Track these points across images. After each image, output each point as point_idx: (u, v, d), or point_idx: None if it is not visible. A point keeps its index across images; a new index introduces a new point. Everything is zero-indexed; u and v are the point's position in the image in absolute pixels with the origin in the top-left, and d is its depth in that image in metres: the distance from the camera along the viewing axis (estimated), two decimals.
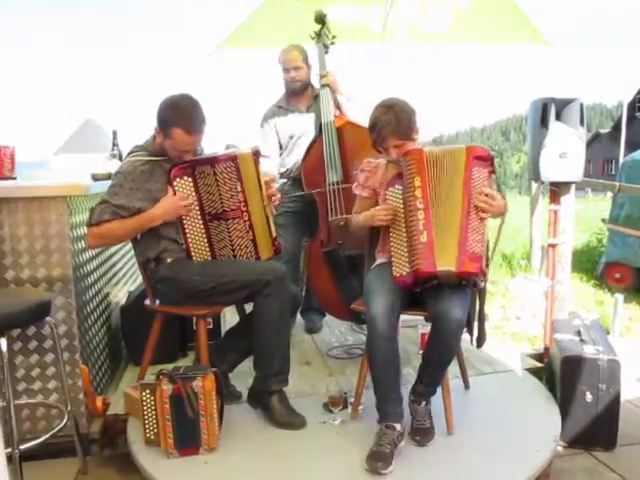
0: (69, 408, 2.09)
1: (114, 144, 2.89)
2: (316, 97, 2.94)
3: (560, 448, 2.22)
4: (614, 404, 2.24)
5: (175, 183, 2.11)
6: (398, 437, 1.89)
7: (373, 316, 1.89)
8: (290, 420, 2.11)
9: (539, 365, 2.74)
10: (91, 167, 2.60)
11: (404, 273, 1.94)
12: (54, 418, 2.17)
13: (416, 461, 1.88)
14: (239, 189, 2.16)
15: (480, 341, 2.22)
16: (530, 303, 4.14)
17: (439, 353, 1.98)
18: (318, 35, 3.01)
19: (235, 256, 2.21)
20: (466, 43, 4.03)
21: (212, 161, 2.15)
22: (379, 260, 2.21)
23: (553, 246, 2.86)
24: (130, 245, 2.50)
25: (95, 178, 2.48)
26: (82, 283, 2.30)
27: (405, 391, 2.05)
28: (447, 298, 1.89)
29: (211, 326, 2.69)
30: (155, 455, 1.92)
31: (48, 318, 1.95)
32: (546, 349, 2.84)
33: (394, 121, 2.01)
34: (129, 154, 2.19)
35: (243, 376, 2.33)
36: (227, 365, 2.25)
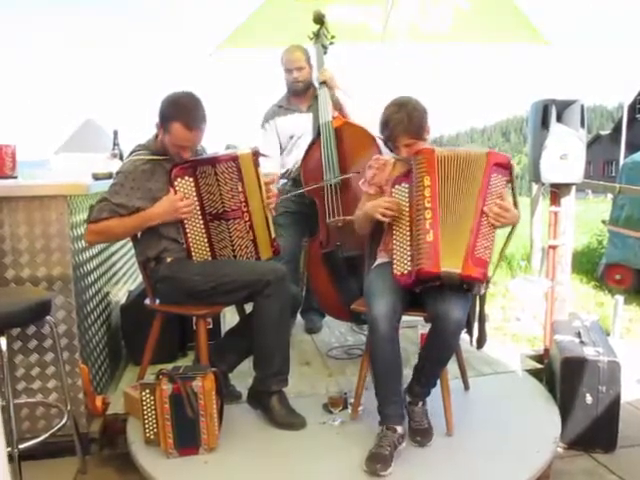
0: (69, 407, 2.08)
1: (115, 144, 2.89)
2: (317, 97, 2.93)
3: (560, 449, 2.21)
4: (614, 406, 2.23)
5: (176, 183, 2.11)
6: (399, 439, 1.88)
7: (375, 318, 1.88)
8: (290, 420, 2.10)
9: (539, 366, 2.74)
10: (92, 166, 2.60)
11: (405, 272, 1.93)
12: (54, 417, 2.17)
13: (415, 462, 1.88)
14: (240, 189, 2.16)
15: (480, 342, 2.21)
16: (530, 304, 4.14)
17: (438, 353, 1.97)
18: (317, 35, 2.99)
19: (235, 256, 2.21)
20: (466, 43, 4.03)
21: (213, 161, 2.15)
22: (380, 259, 2.20)
23: (553, 247, 2.85)
24: (130, 244, 2.50)
25: (96, 177, 2.48)
26: (82, 282, 2.30)
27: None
28: (447, 299, 1.89)
29: (211, 326, 2.69)
30: (155, 455, 1.92)
31: (48, 317, 1.95)
32: (546, 350, 2.84)
33: (406, 119, 2.00)
34: (131, 153, 2.19)
35: (243, 376, 2.33)
36: (227, 365, 2.25)
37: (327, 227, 2.78)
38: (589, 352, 2.29)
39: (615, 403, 2.24)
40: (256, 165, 2.19)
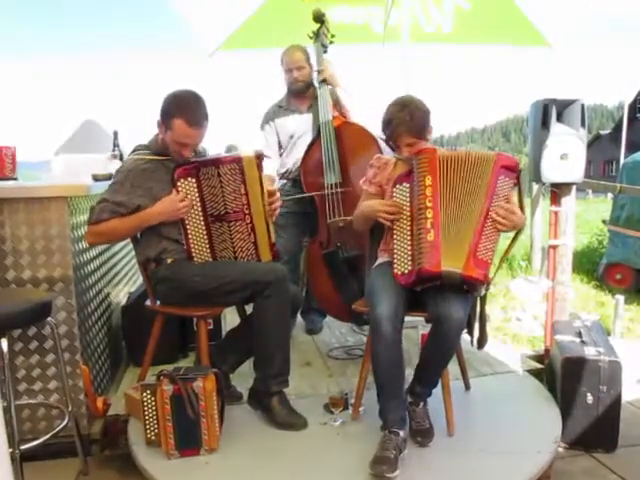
0: (70, 409, 2.08)
1: (115, 144, 2.89)
2: (317, 98, 2.92)
3: (561, 449, 2.21)
4: (615, 405, 2.23)
5: (179, 184, 2.10)
6: (402, 443, 1.87)
7: (377, 319, 1.87)
8: (291, 421, 2.10)
9: (540, 366, 2.73)
10: (92, 167, 2.60)
11: (405, 271, 1.93)
12: (55, 418, 2.17)
13: (416, 462, 1.87)
14: (243, 191, 2.15)
15: (481, 342, 2.21)
16: (531, 304, 4.15)
17: (438, 353, 1.97)
18: (316, 34, 2.97)
19: (236, 258, 2.21)
20: (467, 44, 4.04)
21: (216, 162, 2.14)
22: (381, 259, 2.20)
23: (554, 247, 2.85)
24: (131, 246, 2.50)
25: (96, 178, 2.48)
26: (83, 284, 2.30)
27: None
28: (448, 299, 1.88)
29: (212, 327, 2.69)
30: (156, 456, 1.92)
31: (49, 319, 1.95)
32: (547, 350, 2.83)
33: (409, 119, 1.99)
34: (132, 152, 2.20)
35: (244, 377, 2.33)
36: (228, 366, 2.25)
37: (328, 228, 2.78)
38: (590, 352, 2.29)
39: (616, 403, 2.23)
40: (259, 168, 2.16)
